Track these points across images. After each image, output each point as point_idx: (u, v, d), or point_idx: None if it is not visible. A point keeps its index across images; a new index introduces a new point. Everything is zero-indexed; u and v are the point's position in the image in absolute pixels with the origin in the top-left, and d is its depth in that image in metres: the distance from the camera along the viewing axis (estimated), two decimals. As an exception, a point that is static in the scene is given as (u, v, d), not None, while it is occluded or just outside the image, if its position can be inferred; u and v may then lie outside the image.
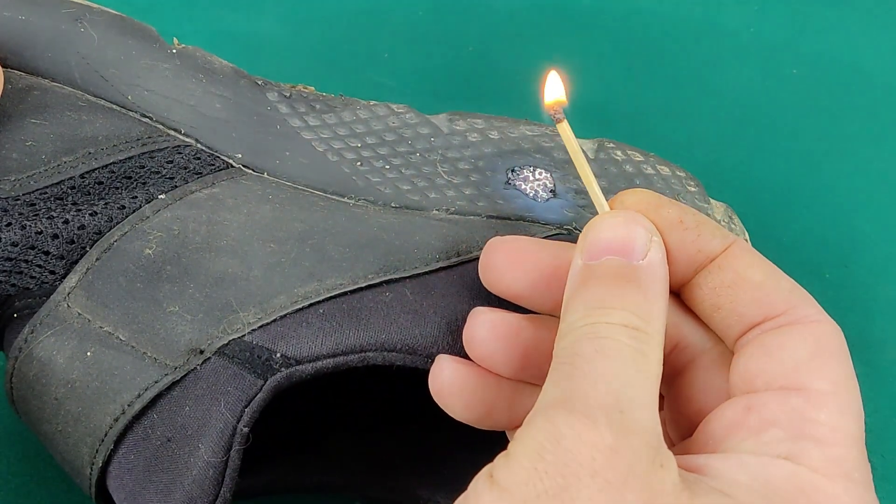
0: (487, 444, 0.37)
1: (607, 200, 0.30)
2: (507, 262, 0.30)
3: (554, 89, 0.32)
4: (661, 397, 0.30)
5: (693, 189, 0.37)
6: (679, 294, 0.29)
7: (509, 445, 0.24)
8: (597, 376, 0.24)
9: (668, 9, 0.55)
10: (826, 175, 0.50)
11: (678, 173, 0.37)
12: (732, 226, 0.38)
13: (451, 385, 0.30)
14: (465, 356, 0.31)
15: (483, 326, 0.30)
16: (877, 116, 0.52)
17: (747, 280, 0.27)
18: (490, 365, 0.30)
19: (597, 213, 0.30)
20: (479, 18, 0.55)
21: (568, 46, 0.54)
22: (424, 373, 0.31)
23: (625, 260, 0.27)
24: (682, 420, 0.29)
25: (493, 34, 0.54)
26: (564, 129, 0.30)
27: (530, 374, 0.30)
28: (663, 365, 0.28)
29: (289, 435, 0.38)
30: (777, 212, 0.48)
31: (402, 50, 0.53)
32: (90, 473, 0.32)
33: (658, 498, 0.23)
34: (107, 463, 0.32)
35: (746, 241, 0.38)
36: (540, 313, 0.30)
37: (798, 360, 0.26)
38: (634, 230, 0.27)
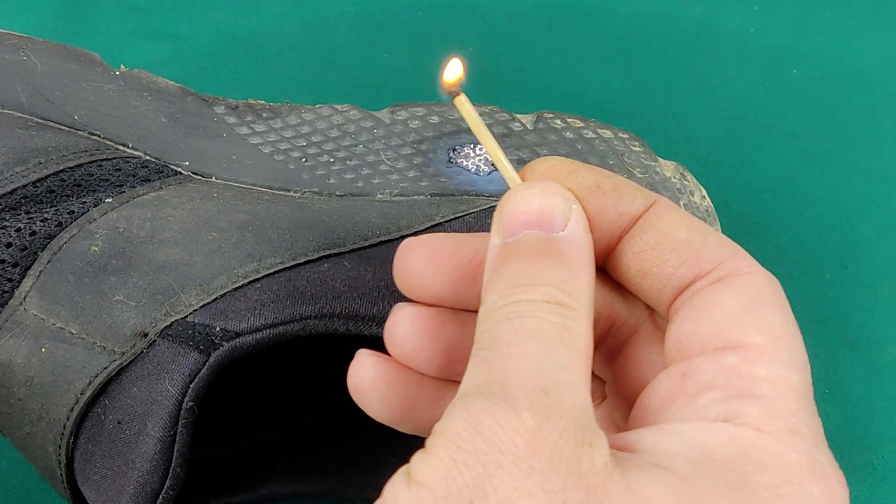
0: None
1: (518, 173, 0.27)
2: (426, 263, 0.27)
3: (452, 71, 0.30)
4: (602, 381, 0.28)
5: (638, 149, 0.37)
6: (605, 268, 0.27)
7: (427, 440, 0.22)
8: (518, 357, 0.23)
9: (669, 9, 0.55)
10: (826, 175, 0.50)
11: (621, 135, 0.37)
12: (685, 182, 0.38)
13: (370, 382, 0.27)
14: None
15: (404, 321, 0.27)
16: (877, 116, 0.52)
17: (671, 238, 0.25)
18: (412, 362, 0.27)
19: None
20: (479, 18, 0.55)
21: (568, 46, 0.54)
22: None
23: (544, 233, 0.25)
24: (625, 401, 0.27)
25: (493, 34, 0.54)
26: (462, 103, 0.28)
27: (456, 372, 0.27)
28: (602, 347, 0.27)
29: (280, 441, 0.39)
30: (777, 212, 0.48)
31: (402, 50, 0.53)
32: (60, 473, 0.33)
33: (588, 478, 0.21)
34: (71, 458, 0.32)
35: (703, 196, 0.38)
36: None
37: (730, 315, 0.24)
38: (550, 200, 0.25)
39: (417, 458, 0.22)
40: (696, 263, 0.25)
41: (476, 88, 0.53)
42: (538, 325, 0.23)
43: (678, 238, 0.25)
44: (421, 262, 0.27)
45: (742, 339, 0.24)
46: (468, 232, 0.35)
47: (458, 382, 0.25)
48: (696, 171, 0.44)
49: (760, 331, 0.24)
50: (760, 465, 0.23)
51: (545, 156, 0.37)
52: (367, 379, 0.27)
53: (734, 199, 0.49)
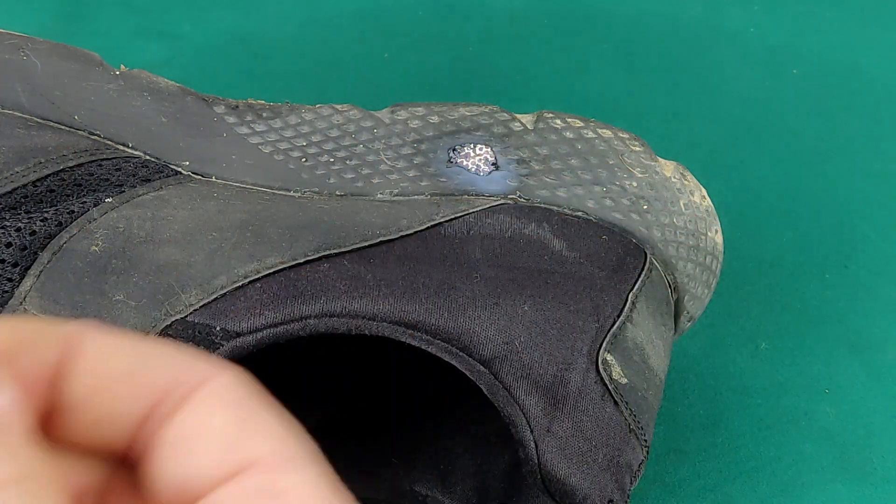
0: (486, 436, 0.37)
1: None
2: None
3: None
4: None
5: (638, 149, 0.37)
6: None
7: None
8: None
9: (669, 9, 0.55)
10: (826, 175, 0.50)
11: (621, 135, 0.37)
12: (685, 182, 0.38)
13: None
14: (403, 315, 0.31)
15: None
16: (877, 116, 0.52)
17: (112, 372, 0.19)
18: None
19: None
20: (479, 18, 0.55)
21: (568, 47, 0.54)
22: (415, 365, 0.31)
23: None
24: None
25: (493, 34, 0.54)
26: None
27: None
28: None
29: None
30: (777, 212, 0.48)
31: (402, 50, 0.53)
32: None
33: None
34: None
35: (703, 196, 0.38)
36: None
37: (225, 435, 0.20)
38: None
39: None
40: (149, 390, 0.20)
41: (476, 88, 0.53)
42: None
43: (121, 369, 0.19)
44: None
45: (249, 456, 0.19)
46: (470, 228, 0.35)
47: None
48: (696, 171, 0.44)
49: (261, 438, 0.20)
50: None
51: (545, 156, 0.37)
52: None
53: (734, 199, 0.49)
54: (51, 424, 0.20)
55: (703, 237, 0.38)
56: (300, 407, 0.39)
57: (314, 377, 0.39)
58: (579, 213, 0.36)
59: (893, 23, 0.55)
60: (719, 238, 0.39)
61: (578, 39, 0.54)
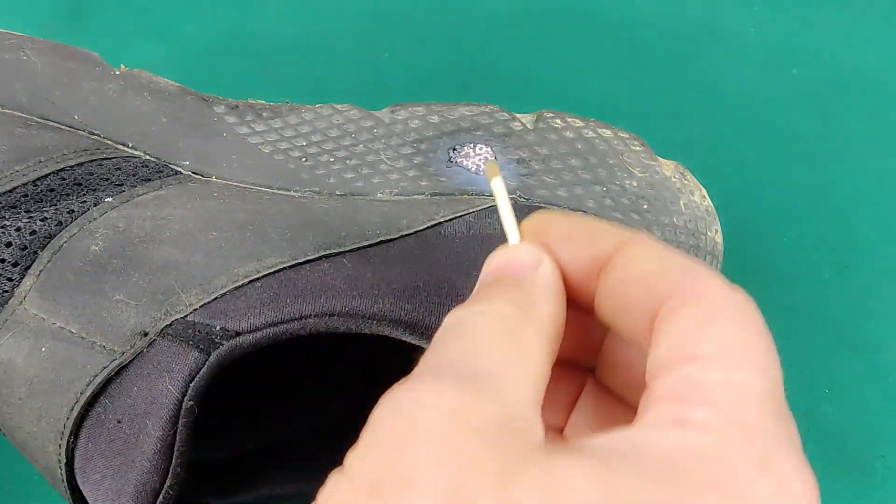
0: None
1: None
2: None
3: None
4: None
5: (638, 148, 0.37)
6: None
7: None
8: (455, 348, 0.23)
9: (669, 9, 0.55)
10: (826, 175, 0.50)
11: (620, 134, 0.37)
12: (685, 181, 0.38)
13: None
14: (403, 314, 0.31)
15: None
16: (877, 116, 0.52)
17: (634, 272, 0.25)
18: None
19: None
20: (479, 18, 0.55)
21: (568, 46, 0.54)
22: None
23: (513, 275, 0.26)
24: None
25: (493, 34, 0.54)
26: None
27: None
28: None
29: (280, 442, 0.39)
30: (777, 212, 0.48)
31: (402, 50, 0.53)
32: (60, 472, 0.33)
33: (505, 454, 0.21)
34: (71, 457, 0.32)
35: (703, 196, 0.38)
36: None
37: (684, 333, 0.24)
38: (519, 254, 0.26)
39: (351, 449, 0.23)
40: (658, 292, 0.25)
41: (476, 88, 0.53)
42: (485, 324, 0.24)
43: (640, 270, 0.25)
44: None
45: (694, 352, 0.23)
46: (470, 228, 0.35)
47: None
48: (696, 171, 0.44)
49: (713, 341, 0.24)
50: (700, 462, 0.22)
51: (545, 156, 0.37)
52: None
53: (734, 199, 0.49)
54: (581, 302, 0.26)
55: (703, 237, 0.38)
56: (305, 404, 0.39)
57: (318, 374, 0.39)
58: (579, 213, 0.36)
59: (893, 23, 0.55)
60: (719, 238, 0.39)
61: (578, 39, 0.54)
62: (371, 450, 0.22)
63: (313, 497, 0.38)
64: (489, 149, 0.37)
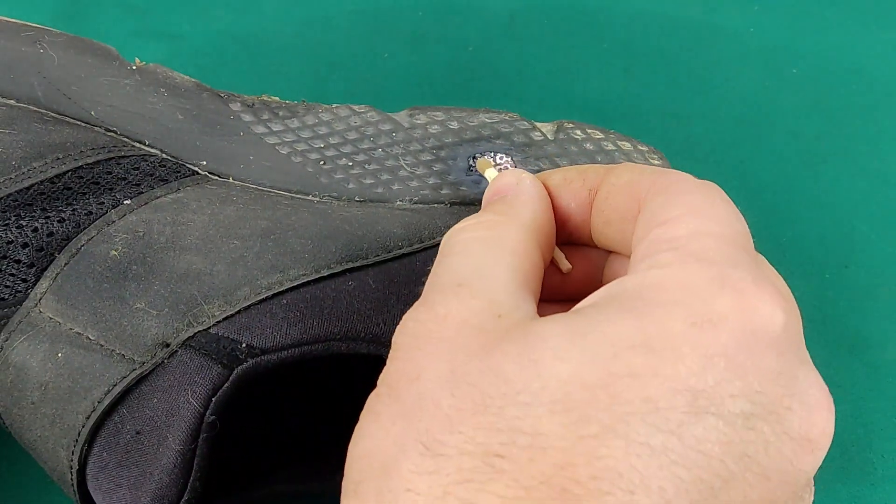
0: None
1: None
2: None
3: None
4: None
5: (657, 162, 0.38)
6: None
7: None
8: (441, 268, 0.27)
9: (668, 9, 0.55)
10: (826, 175, 0.50)
11: (640, 147, 0.38)
12: None
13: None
14: None
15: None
16: (877, 116, 0.52)
17: (616, 185, 0.29)
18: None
19: None
20: (479, 18, 0.55)
21: (568, 46, 0.54)
22: None
23: (495, 193, 0.30)
24: None
25: (492, 34, 0.54)
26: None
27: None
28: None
29: (293, 441, 0.39)
30: (777, 212, 0.48)
31: (402, 50, 0.53)
32: (71, 478, 0.32)
33: (488, 333, 0.25)
34: (84, 464, 0.32)
35: None
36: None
37: (655, 209, 0.27)
38: (503, 177, 0.30)
39: None
40: (638, 195, 0.28)
41: (476, 88, 0.53)
42: (466, 237, 0.28)
43: (622, 182, 0.29)
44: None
45: (664, 217, 0.26)
46: None
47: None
48: (696, 172, 0.44)
49: (680, 205, 0.26)
50: (662, 289, 0.24)
51: (565, 166, 0.37)
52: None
53: (734, 200, 0.48)
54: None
55: None
56: (309, 405, 0.39)
57: (326, 389, 0.39)
58: None
59: (893, 23, 0.55)
60: None
61: (578, 39, 0.54)
62: (388, 364, 0.26)
63: (316, 495, 0.38)
64: (509, 158, 0.37)
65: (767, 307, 0.24)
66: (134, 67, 0.37)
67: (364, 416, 0.26)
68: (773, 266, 0.47)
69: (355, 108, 0.38)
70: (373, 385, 0.39)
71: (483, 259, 0.27)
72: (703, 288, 0.24)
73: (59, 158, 0.34)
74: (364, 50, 0.53)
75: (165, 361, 0.31)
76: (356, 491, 0.25)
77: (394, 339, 0.26)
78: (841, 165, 0.50)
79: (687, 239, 0.25)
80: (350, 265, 0.33)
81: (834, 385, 0.43)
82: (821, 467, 0.42)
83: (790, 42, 0.54)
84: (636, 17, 0.55)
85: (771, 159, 0.50)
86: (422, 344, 0.25)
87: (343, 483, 0.26)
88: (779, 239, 0.47)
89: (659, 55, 0.54)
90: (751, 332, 0.24)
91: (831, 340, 0.44)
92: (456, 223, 0.34)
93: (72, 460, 0.32)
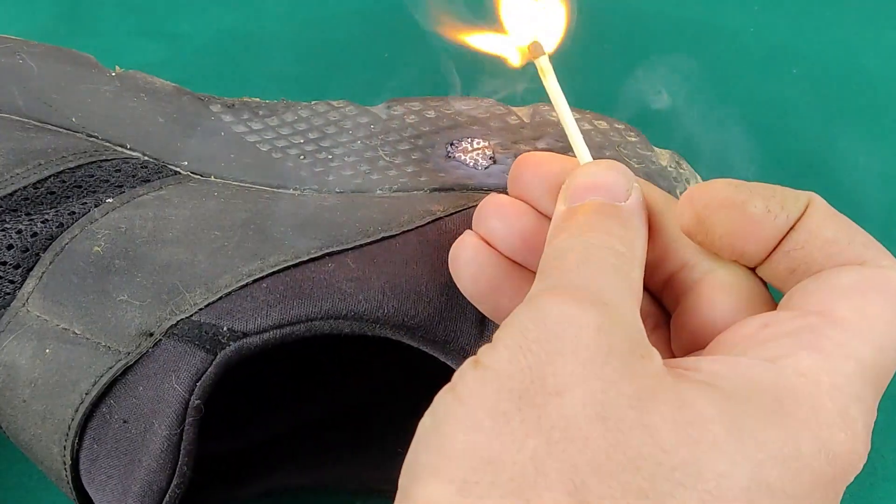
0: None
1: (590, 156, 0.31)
2: (535, 177, 0.31)
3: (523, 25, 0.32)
4: (667, 315, 0.31)
5: (633, 139, 0.38)
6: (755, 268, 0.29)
7: (494, 334, 0.24)
8: (584, 273, 0.25)
9: (668, 9, 0.55)
10: (826, 175, 0.50)
11: (616, 125, 0.38)
12: (681, 170, 0.38)
13: (465, 260, 0.31)
14: (407, 319, 0.32)
15: (496, 206, 0.31)
16: (877, 116, 0.52)
17: (819, 237, 0.27)
18: (498, 245, 0.31)
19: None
20: (479, 18, 0.55)
21: (567, 46, 0.54)
22: (422, 360, 0.32)
23: (608, 199, 0.28)
24: (687, 335, 0.29)
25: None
26: (545, 65, 0.31)
27: (530, 262, 0.31)
28: (671, 284, 0.29)
29: (286, 434, 0.39)
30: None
31: (402, 50, 0.53)
32: (66, 474, 0.33)
33: (640, 378, 0.23)
34: (77, 459, 0.32)
35: (698, 181, 0.39)
36: None
37: (839, 287, 0.26)
38: (615, 176, 0.29)
39: (484, 348, 0.24)
40: (839, 261, 0.26)
41: (476, 88, 0.53)
42: (601, 257, 0.26)
43: (825, 237, 0.27)
44: (531, 176, 0.31)
45: (833, 309, 0.25)
46: (469, 226, 0.35)
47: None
48: (696, 171, 0.44)
49: (855, 308, 0.25)
50: (797, 403, 0.24)
51: (542, 150, 0.37)
52: (464, 257, 0.31)
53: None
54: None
55: None
56: (308, 399, 0.39)
57: (323, 370, 0.39)
58: None
59: (893, 23, 0.55)
60: None
61: (578, 39, 0.54)
62: (517, 354, 0.23)
63: (315, 489, 0.38)
64: (487, 143, 0.37)
65: (864, 450, 0.26)
66: (113, 74, 0.38)
67: (469, 397, 0.23)
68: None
69: (333, 103, 0.38)
70: (361, 364, 0.39)
71: (618, 290, 0.25)
72: (829, 417, 0.24)
73: (41, 164, 0.35)
74: (364, 50, 0.53)
75: (150, 351, 0.32)
76: (471, 491, 0.22)
77: (519, 319, 0.24)
78: (841, 165, 0.50)
79: (833, 350, 0.25)
80: (330, 249, 0.33)
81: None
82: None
83: (790, 42, 0.54)
84: (636, 16, 0.55)
85: (771, 159, 0.50)
86: (569, 352, 0.23)
87: (424, 464, 0.23)
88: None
89: (659, 55, 0.54)
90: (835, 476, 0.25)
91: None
92: (436, 206, 0.34)
93: (64, 455, 0.32)
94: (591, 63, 0.53)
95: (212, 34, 0.54)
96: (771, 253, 0.27)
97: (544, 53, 0.30)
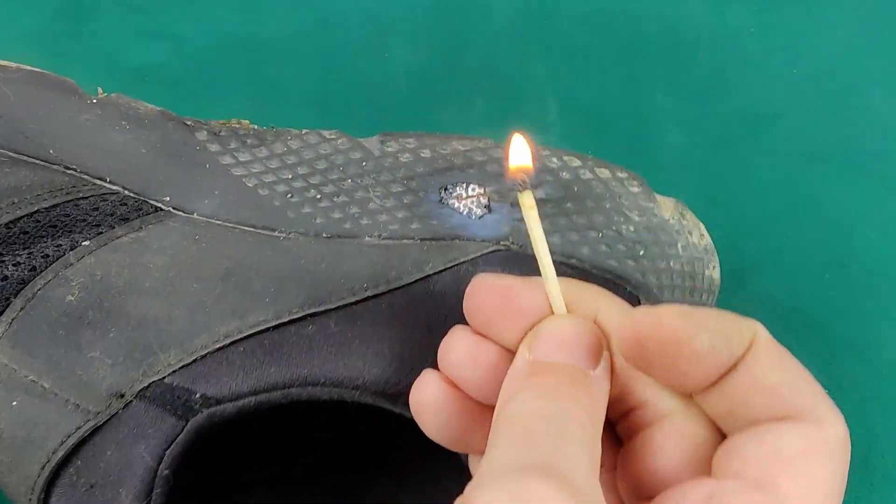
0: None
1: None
2: (496, 307, 0.29)
3: (519, 154, 0.30)
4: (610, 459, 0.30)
5: (636, 189, 0.36)
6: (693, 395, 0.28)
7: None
8: (555, 454, 0.25)
9: (669, 9, 0.55)
10: (826, 175, 0.50)
11: (619, 174, 0.36)
12: (684, 221, 0.37)
13: (431, 405, 0.29)
14: (388, 387, 0.31)
15: (460, 350, 0.29)
16: (877, 116, 0.52)
17: (762, 384, 0.26)
18: (464, 387, 0.29)
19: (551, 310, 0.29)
20: (479, 18, 0.55)
21: (568, 47, 0.54)
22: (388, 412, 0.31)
23: (578, 364, 0.27)
24: (632, 479, 0.28)
25: (493, 34, 0.54)
26: (528, 200, 0.28)
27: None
28: (624, 421, 0.29)
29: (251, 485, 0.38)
30: (777, 212, 0.48)
31: (402, 50, 0.53)
32: None
33: None
34: None
35: (702, 235, 0.37)
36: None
37: (781, 455, 0.25)
38: (590, 338, 0.28)
39: None
40: (780, 412, 0.26)
41: (476, 88, 0.53)
42: (571, 434, 0.25)
43: (766, 384, 0.26)
44: (493, 304, 0.29)
45: (779, 484, 0.25)
46: (460, 283, 0.33)
47: None
48: (696, 171, 0.44)
49: (799, 481, 0.25)
50: None
51: (540, 199, 0.35)
52: (428, 405, 0.29)
53: (734, 199, 0.49)
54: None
55: (699, 277, 0.37)
56: (286, 455, 0.38)
57: (300, 430, 0.38)
58: (573, 261, 0.35)
59: (893, 23, 0.55)
60: (717, 274, 0.38)
61: (578, 39, 0.54)
62: None
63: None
64: (483, 189, 0.35)
65: None
66: (94, 101, 0.37)
67: None
68: (773, 266, 0.48)
69: (325, 133, 0.37)
70: (338, 427, 0.38)
71: (587, 466, 0.25)
72: None
73: (14, 202, 0.34)
74: (364, 50, 0.53)
75: (120, 412, 0.31)
76: None
77: (489, 498, 0.23)
78: (841, 165, 0.50)
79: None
80: (312, 310, 0.32)
81: (834, 385, 0.44)
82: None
83: (790, 42, 0.54)
84: (636, 17, 0.55)
85: (771, 159, 0.50)
86: None
87: None
88: (779, 239, 0.47)
89: (659, 55, 0.54)
90: None
91: (831, 340, 0.44)
92: (425, 262, 0.33)
93: None
94: (591, 63, 0.53)
95: (212, 34, 0.54)
96: (711, 386, 0.26)
97: (529, 189, 0.29)
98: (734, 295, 0.45)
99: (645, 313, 0.26)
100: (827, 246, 0.47)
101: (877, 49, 0.54)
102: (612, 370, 0.28)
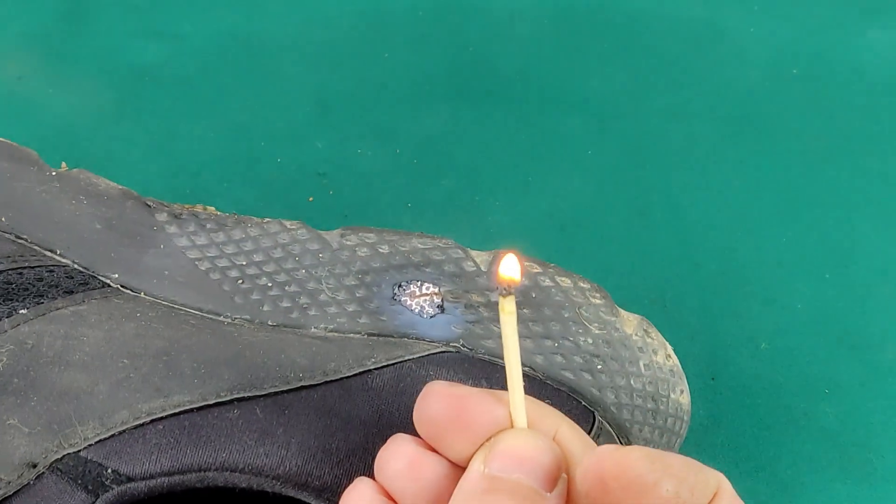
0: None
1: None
2: (448, 419, 0.27)
3: (511, 268, 0.28)
4: None
5: (598, 301, 0.35)
6: None
7: None
8: None
9: (669, 9, 0.55)
10: (826, 175, 0.50)
11: (581, 284, 0.35)
12: (648, 339, 0.35)
13: None
14: (311, 479, 0.30)
15: (401, 460, 0.28)
16: (877, 116, 0.52)
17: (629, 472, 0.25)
18: (401, 500, 0.28)
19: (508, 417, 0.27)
20: (479, 18, 0.55)
21: (568, 46, 0.54)
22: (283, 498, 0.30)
23: (535, 486, 0.26)
24: None
25: (493, 34, 0.54)
26: (509, 306, 0.27)
27: None
28: None
29: None
30: (777, 212, 0.48)
31: (402, 50, 0.53)
32: None
33: None
34: None
35: (668, 356, 0.36)
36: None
37: None
38: (548, 458, 0.26)
39: None
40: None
41: (476, 88, 0.53)
42: None
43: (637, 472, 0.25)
44: (446, 413, 0.27)
45: None
46: (401, 381, 0.32)
47: None
48: (696, 171, 0.44)
49: None
50: None
51: (495, 303, 0.34)
52: None
53: (734, 199, 0.49)
54: None
55: (664, 399, 0.35)
56: None
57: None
58: (526, 369, 0.33)
59: (893, 23, 0.55)
60: (685, 399, 0.36)
61: (578, 39, 0.54)
62: None
63: None
64: (437, 289, 0.34)
65: None
66: (54, 173, 0.36)
67: None
68: (773, 266, 0.48)
69: (287, 223, 0.36)
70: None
71: None
72: None
73: None
74: (364, 50, 0.53)
75: (31, 483, 0.30)
76: None
77: None
78: (841, 165, 0.50)
79: None
80: (241, 394, 0.31)
81: (834, 385, 0.44)
82: (821, 467, 0.42)
83: (790, 42, 0.54)
84: (636, 17, 0.55)
85: (771, 159, 0.50)
86: None
87: None
88: (779, 239, 0.47)
89: (659, 55, 0.54)
90: None
91: (831, 340, 0.44)
92: (367, 356, 0.32)
93: None
94: (591, 63, 0.53)
95: (212, 34, 0.54)
96: None
97: (512, 295, 0.28)
98: (734, 295, 0.45)
99: (611, 452, 0.25)
100: (827, 246, 0.47)
101: (877, 49, 0.54)
102: (568, 495, 0.27)
